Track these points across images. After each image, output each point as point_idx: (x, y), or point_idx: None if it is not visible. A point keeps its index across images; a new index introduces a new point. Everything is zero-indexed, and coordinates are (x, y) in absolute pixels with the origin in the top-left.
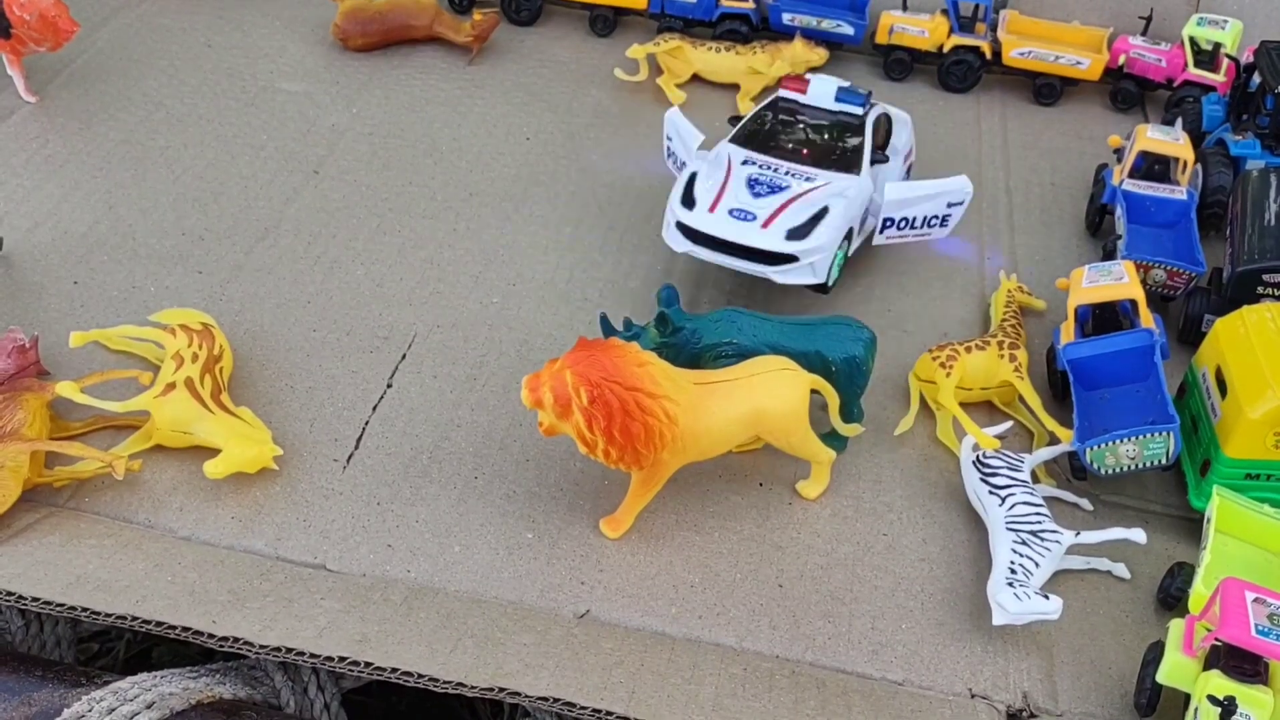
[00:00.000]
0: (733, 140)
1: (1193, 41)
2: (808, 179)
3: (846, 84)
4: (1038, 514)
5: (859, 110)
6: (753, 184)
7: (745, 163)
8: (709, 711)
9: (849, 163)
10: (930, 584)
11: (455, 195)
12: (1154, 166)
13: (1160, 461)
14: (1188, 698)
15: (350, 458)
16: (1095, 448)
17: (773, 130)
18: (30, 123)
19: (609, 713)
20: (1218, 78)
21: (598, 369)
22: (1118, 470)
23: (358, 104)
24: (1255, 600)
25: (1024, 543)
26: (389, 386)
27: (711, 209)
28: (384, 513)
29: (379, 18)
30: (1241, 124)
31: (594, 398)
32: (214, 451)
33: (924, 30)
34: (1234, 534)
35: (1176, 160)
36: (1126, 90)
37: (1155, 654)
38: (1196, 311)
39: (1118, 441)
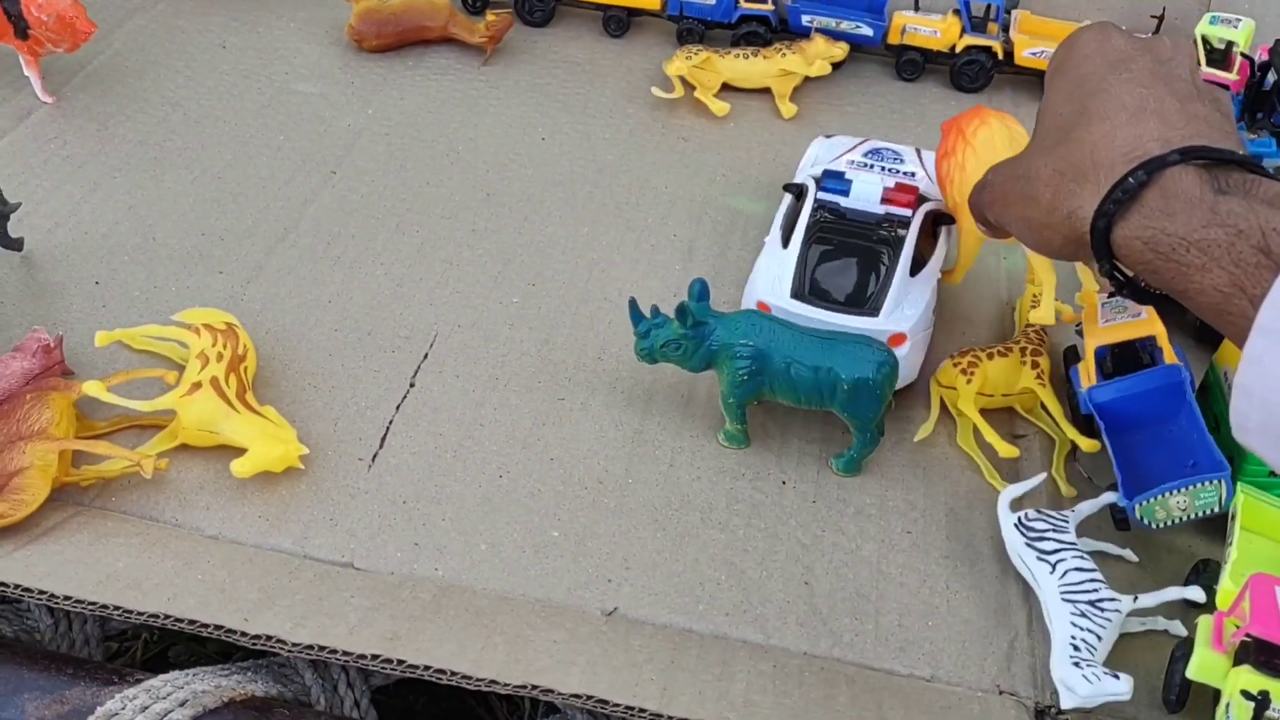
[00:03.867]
0: None
1: (1205, 40)
2: None
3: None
4: (1093, 580)
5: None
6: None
7: None
8: (740, 708)
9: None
10: (955, 580)
11: (473, 196)
12: None
13: (1212, 510)
14: (1217, 693)
15: (375, 456)
16: (1145, 503)
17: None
18: (48, 124)
19: (641, 710)
20: (1231, 76)
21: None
22: (1169, 523)
23: (373, 105)
24: None
25: (1083, 614)
26: (412, 386)
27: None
28: (410, 511)
29: (394, 19)
30: (1256, 122)
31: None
32: (239, 450)
33: (936, 31)
34: (1259, 531)
35: None
36: None
37: (1184, 650)
38: None
39: (1167, 494)
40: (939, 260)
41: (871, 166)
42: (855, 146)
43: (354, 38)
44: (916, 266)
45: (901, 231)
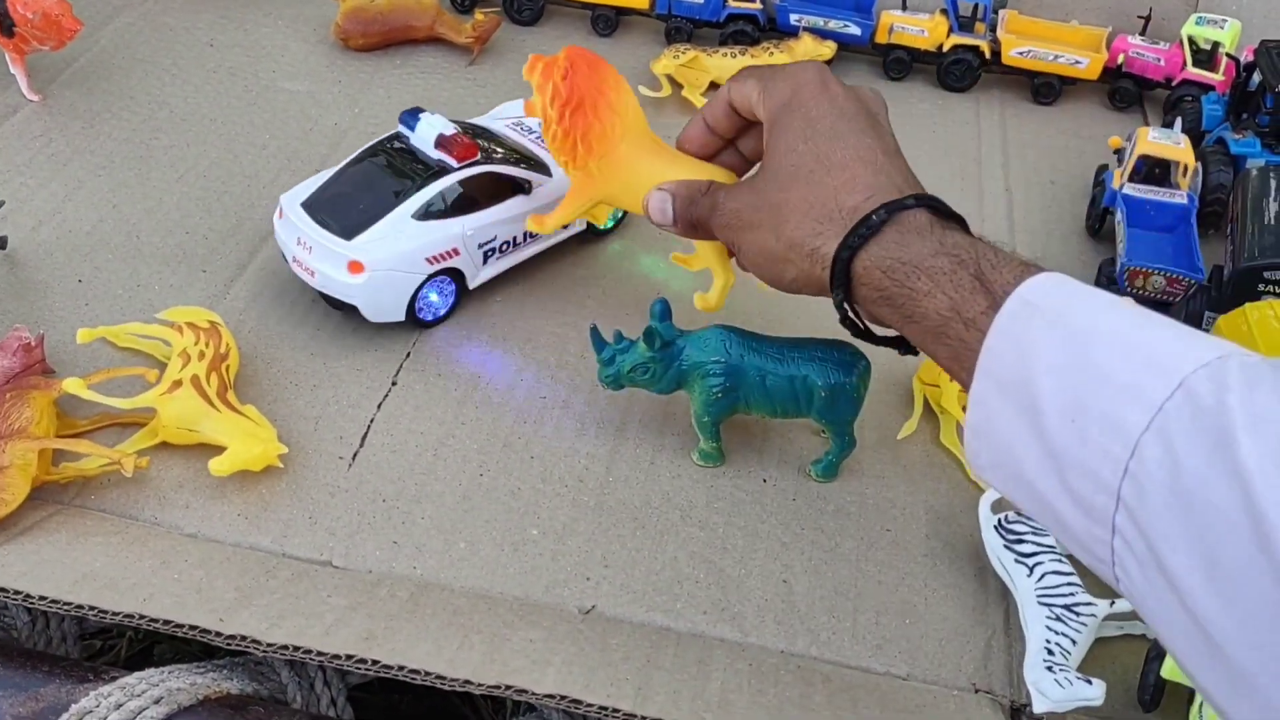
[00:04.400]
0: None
1: (1191, 41)
2: None
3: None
4: (1070, 584)
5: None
6: None
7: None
8: (715, 707)
9: None
10: (934, 579)
11: None
12: (1154, 170)
13: None
14: (1192, 693)
15: (355, 455)
16: None
17: None
18: (33, 121)
19: (615, 710)
20: (1216, 76)
21: (586, 62)
22: None
23: (360, 104)
24: None
25: (1058, 618)
26: (393, 384)
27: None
28: (389, 510)
29: (380, 18)
30: (1241, 123)
31: (567, 74)
32: (219, 449)
33: (923, 30)
34: None
35: (1177, 163)
36: (1125, 89)
37: (1159, 650)
38: (1197, 309)
39: None
40: (482, 220)
41: (519, 128)
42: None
43: (340, 36)
44: (434, 216)
45: (430, 177)
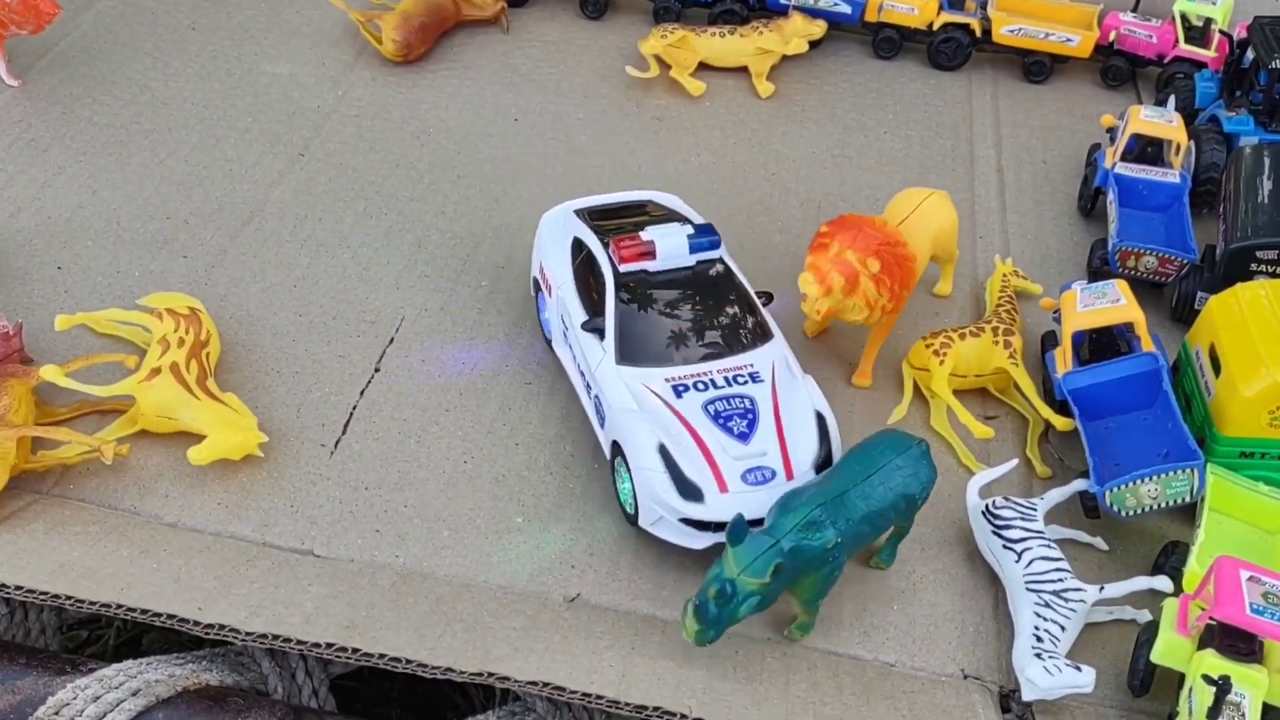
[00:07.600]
0: (629, 362)
1: (1183, 17)
2: (740, 374)
3: (691, 226)
4: (1058, 570)
5: (717, 251)
6: (716, 417)
7: (680, 389)
8: (700, 694)
9: (757, 328)
10: (922, 565)
11: (443, 177)
12: (1146, 149)
13: (1183, 499)
14: (1182, 677)
15: (338, 443)
16: (1115, 489)
17: (653, 320)
18: (13, 107)
19: (599, 696)
20: (1209, 53)
21: (872, 240)
22: (1139, 511)
23: (344, 85)
24: (1250, 579)
25: (1047, 605)
26: (376, 370)
27: (723, 488)
28: (372, 498)
29: (423, 23)
30: (1235, 100)
31: (885, 264)
32: (200, 437)
33: (913, 8)
34: (1228, 512)
35: (1169, 142)
36: (1117, 67)
37: (1149, 634)
38: (1189, 289)
39: (1138, 481)
40: (565, 301)
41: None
42: None
43: (401, 53)
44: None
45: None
